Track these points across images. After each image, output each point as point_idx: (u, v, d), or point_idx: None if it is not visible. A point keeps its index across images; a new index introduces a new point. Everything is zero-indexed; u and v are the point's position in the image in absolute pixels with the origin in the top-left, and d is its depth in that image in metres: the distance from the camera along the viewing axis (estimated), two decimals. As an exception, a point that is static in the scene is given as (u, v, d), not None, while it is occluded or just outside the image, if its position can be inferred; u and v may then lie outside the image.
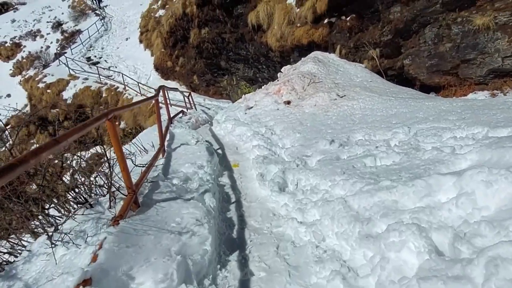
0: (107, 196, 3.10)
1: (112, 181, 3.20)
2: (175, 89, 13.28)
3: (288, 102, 6.77)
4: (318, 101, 6.44)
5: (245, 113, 6.90)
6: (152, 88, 19.13)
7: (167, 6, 23.45)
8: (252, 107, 7.04)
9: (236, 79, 15.62)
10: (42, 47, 37.19)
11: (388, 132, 4.85)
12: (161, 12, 24.32)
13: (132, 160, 3.70)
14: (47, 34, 37.70)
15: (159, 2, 25.60)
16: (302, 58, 8.43)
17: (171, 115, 8.67)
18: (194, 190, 3.77)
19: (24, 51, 37.61)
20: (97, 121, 2.77)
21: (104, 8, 35.57)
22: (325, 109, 6.25)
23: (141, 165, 3.67)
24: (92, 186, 3.18)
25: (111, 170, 3.16)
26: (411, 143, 4.21)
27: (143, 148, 5.73)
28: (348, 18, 8.00)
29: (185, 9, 16.99)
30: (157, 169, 4.34)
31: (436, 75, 6.91)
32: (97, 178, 3.26)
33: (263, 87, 8.13)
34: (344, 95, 6.50)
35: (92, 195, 3.16)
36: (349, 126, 5.44)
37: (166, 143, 5.75)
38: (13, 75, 36.85)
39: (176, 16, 18.48)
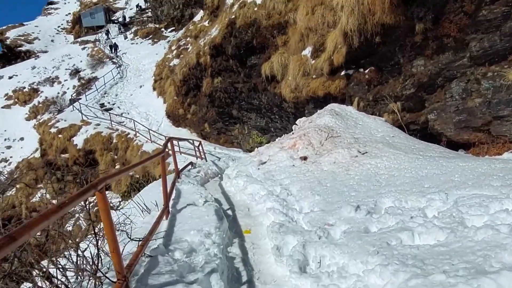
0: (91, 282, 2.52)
1: (99, 262, 2.65)
2: (185, 139, 12.98)
3: (305, 158, 6.27)
4: (338, 158, 5.92)
5: (258, 169, 6.40)
6: (163, 135, 18.97)
7: (182, 55, 24.00)
8: (265, 162, 6.55)
9: (248, 128, 15.33)
10: (58, 93, 38.19)
11: (421, 199, 4.25)
12: (175, 61, 24.89)
13: (127, 233, 3.15)
14: (65, 80, 38.89)
15: (174, 52, 26.31)
16: (318, 111, 8.05)
17: (181, 167, 8.25)
18: (199, 269, 3.17)
19: (41, 96, 38.64)
20: (84, 194, 2.26)
21: (121, 56, 36.82)
22: (346, 167, 5.72)
23: (138, 239, 3.12)
24: (74, 269, 2.61)
25: (98, 250, 2.61)
26: (454, 215, 3.60)
27: (145, 207, 5.20)
28: (366, 71, 7.70)
29: (199, 59, 17.21)
30: (158, 236, 3.77)
31: (465, 132, 6.40)
32: (80, 258, 2.70)
33: (277, 140, 7.70)
34: (366, 152, 5.99)
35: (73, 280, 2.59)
36: (375, 189, 4.86)
37: (171, 203, 5.23)
38: (28, 119, 37.59)
39: (190, 65, 18.73)
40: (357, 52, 7.39)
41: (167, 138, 7.24)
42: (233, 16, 11.64)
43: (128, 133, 21.48)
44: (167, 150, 5.69)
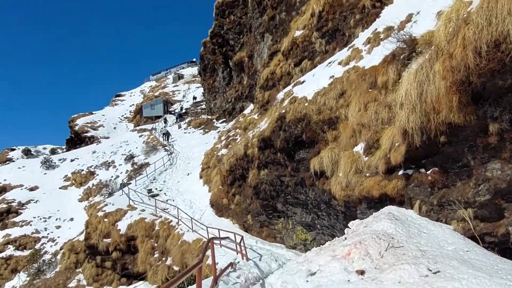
0: None
1: None
2: (227, 238, 12.43)
3: (362, 272, 5.34)
4: (403, 277, 4.94)
5: (307, 281, 5.52)
6: (204, 225, 18.46)
7: (230, 146, 24.56)
8: (315, 273, 5.67)
9: (292, 223, 14.44)
10: (112, 176, 40.18)
11: None
12: (223, 151, 25.48)
13: None
14: (119, 165, 41.12)
15: (223, 142, 27.12)
16: (374, 214, 7.21)
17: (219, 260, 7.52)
18: None
19: (95, 179, 40.76)
20: None
21: (172, 143, 38.74)
22: (415, 289, 4.70)
23: None
24: None
25: None
26: None
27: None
28: (429, 172, 6.95)
29: (247, 150, 17.34)
30: None
31: None
32: None
33: (327, 244, 6.83)
34: (438, 271, 4.97)
35: None
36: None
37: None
38: (81, 200, 39.27)
39: (237, 156, 18.89)
40: (418, 151, 6.76)
41: (208, 236, 6.71)
42: (283, 111, 11.73)
43: (171, 221, 21.25)
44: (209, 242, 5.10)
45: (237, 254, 13.42)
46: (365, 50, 11.22)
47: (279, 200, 14.46)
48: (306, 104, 11.00)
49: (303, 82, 13.49)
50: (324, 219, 11.35)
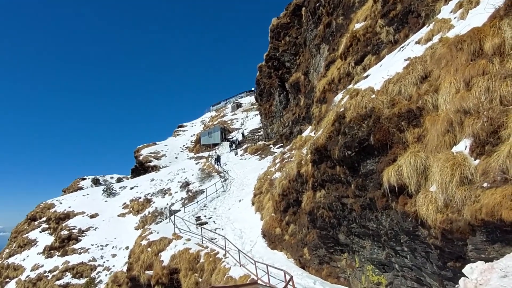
0: None
1: None
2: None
3: None
4: None
5: None
6: (253, 260, 15.66)
7: (284, 168, 21.83)
8: None
9: (360, 261, 11.10)
10: (167, 204, 39.28)
11: None
12: (277, 174, 22.79)
13: None
14: (175, 192, 40.20)
15: (277, 165, 24.48)
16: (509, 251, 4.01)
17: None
18: None
19: (152, 207, 40.13)
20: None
21: (223, 167, 37.03)
22: None
23: None
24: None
25: None
26: None
27: None
28: None
29: (300, 169, 14.52)
30: None
31: None
32: None
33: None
34: None
35: None
36: None
37: None
38: (137, 228, 38.61)
39: (290, 177, 16.10)
40: None
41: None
42: (342, 109, 8.89)
43: (218, 252, 18.75)
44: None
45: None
46: (455, 18, 8.13)
47: (340, 229, 11.32)
48: (373, 96, 8.09)
49: (367, 76, 10.61)
50: (406, 257, 8.03)
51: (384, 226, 8.27)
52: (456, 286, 4.09)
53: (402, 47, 9.84)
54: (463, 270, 4.10)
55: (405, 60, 8.36)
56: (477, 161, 5.44)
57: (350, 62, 14.43)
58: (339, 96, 10.98)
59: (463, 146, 5.82)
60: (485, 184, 4.93)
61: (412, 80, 7.58)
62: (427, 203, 5.92)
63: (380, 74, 9.02)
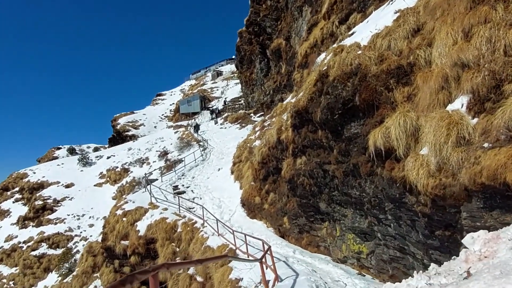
0: None
1: None
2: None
3: None
4: None
5: None
6: (231, 229, 15.23)
7: (264, 136, 21.19)
8: None
9: (341, 230, 10.75)
10: (145, 173, 38.39)
11: None
12: (257, 142, 22.15)
13: None
14: (153, 162, 39.24)
15: (257, 133, 23.78)
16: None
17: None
18: None
19: (129, 176, 39.17)
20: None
21: (202, 136, 36.28)
22: None
23: None
24: None
25: None
26: None
27: None
28: None
29: (280, 135, 13.87)
30: None
31: None
32: None
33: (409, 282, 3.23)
34: None
35: None
36: None
37: None
38: (114, 198, 37.76)
39: (270, 144, 15.49)
40: None
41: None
42: (325, 68, 8.13)
43: (196, 222, 18.28)
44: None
45: (266, 268, 10.03)
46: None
47: (322, 197, 10.86)
48: (360, 52, 7.34)
49: (352, 34, 9.81)
50: (389, 226, 7.61)
51: (368, 194, 7.78)
52: (454, 257, 3.57)
53: (391, 0, 9.02)
54: (463, 240, 3.57)
55: (395, 12, 7.58)
56: (476, 119, 4.85)
57: (334, 21, 13.52)
58: (322, 56, 10.18)
59: (459, 104, 5.22)
60: (486, 145, 4.35)
61: (403, 33, 6.85)
62: (418, 167, 5.36)
63: (367, 29, 8.24)
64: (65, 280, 26.46)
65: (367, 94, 6.87)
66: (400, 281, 8.56)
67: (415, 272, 3.97)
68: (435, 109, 5.58)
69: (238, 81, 55.13)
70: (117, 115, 70.18)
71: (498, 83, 4.69)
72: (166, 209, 19.60)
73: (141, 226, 18.77)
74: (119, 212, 19.81)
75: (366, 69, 6.96)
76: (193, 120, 46.74)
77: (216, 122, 43.60)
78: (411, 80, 6.38)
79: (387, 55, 6.85)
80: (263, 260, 8.53)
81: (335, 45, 10.11)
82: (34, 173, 44.69)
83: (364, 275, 9.45)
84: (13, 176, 46.50)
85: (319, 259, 11.49)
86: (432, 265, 3.76)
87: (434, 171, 5.07)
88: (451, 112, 5.14)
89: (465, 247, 3.42)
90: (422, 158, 5.37)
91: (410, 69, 6.42)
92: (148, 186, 22.11)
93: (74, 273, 22.46)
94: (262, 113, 39.35)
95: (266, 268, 10.03)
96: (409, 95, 6.32)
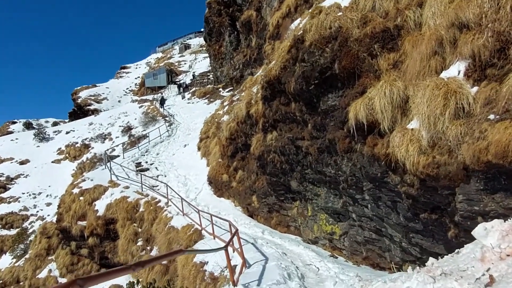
0: None
1: None
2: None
3: None
4: None
5: None
6: (197, 208, 14.43)
7: (232, 110, 20.23)
8: None
9: (313, 209, 10.20)
10: (107, 150, 36.53)
11: None
12: (225, 117, 21.19)
13: None
14: (116, 137, 37.34)
15: (226, 108, 22.77)
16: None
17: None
18: None
19: (90, 153, 37.15)
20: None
21: (173, 114, 34.70)
22: None
23: None
24: None
25: None
26: None
27: None
28: None
29: (250, 109, 12.98)
30: None
31: None
32: None
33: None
34: None
35: None
36: None
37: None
38: (74, 175, 35.80)
39: (238, 118, 14.58)
40: None
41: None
42: (300, 32, 7.24)
43: (159, 201, 17.31)
44: None
45: (233, 252, 9.36)
46: None
47: (293, 176, 10.20)
48: (340, 14, 6.50)
49: (331, -3, 8.94)
50: (366, 206, 7.03)
51: (344, 172, 7.14)
52: (457, 251, 2.92)
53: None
54: (473, 232, 2.92)
55: (381, -30, 6.76)
56: (475, 88, 4.19)
57: (309, -15, 12.60)
58: (297, 21, 9.26)
59: (455, 71, 4.54)
60: (491, 116, 3.70)
61: (389, -8, 6.06)
62: (407, 143, 4.69)
63: (348, -10, 7.38)
64: (17, 264, 24.85)
65: (348, 61, 6.09)
66: (374, 264, 8.16)
67: (409, 267, 3.32)
68: (425, 77, 4.89)
69: (206, 54, 53.04)
70: (78, 88, 66.19)
71: (504, 46, 4.02)
72: (127, 187, 18.44)
73: (100, 206, 17.57)
74: (76, 190, 18.42)
75: (347, 32, 6.15)
76: (159, 94, 44.72)
77: (183, 97, 41.93)
78: (398, 45, 5.65)
79: (371, 16, 6.05)
80: (230, 244, 7.78)
81: (309, 11, 9.20)
82: (-15, 148, 41.44)
83: (336, 257, 8.98)
84: (-40, 152, 42.94)
85: (289, 240, 10.96)
86: (431, 259, 3.12)
87: (427, 147, 4.41)
88: (447, 79, 4.45)
89: (475, 237, 2.77)
90: (412, 132, 4.70)
91: (397, 33, 5.67)
92: (109, 163, 20.72)
93: (27, 256, 20.99)
94: (232, 88, 38.11)
95: (233, 251, 9.37)
96: (395, 62, 5.60)
